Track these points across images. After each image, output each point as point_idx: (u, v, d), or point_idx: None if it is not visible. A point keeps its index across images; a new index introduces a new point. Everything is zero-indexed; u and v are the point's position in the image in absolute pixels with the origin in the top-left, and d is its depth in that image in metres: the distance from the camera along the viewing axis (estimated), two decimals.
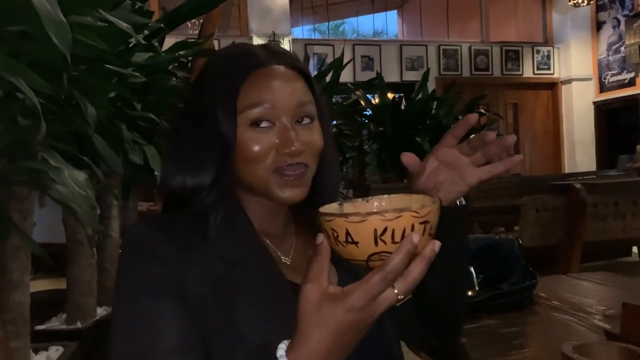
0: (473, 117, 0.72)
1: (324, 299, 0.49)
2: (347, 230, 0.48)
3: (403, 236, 0.47)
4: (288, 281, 0.66)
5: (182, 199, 0.68)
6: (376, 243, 0.47)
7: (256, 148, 0.66)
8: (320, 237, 0.51)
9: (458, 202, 0.74)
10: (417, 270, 0.48)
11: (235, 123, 0.66)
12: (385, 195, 0.58)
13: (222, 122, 0.66)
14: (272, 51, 0.71)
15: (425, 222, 0.48)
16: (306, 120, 0.69)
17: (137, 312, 0.60)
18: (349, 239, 0.48)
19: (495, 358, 0.81)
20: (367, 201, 0.59)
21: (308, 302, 0.49)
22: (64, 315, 2.08)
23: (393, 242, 0.47)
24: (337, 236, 0.49)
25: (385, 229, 0.47)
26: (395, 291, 0.47)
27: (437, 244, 0.48)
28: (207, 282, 0.61)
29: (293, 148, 0.65)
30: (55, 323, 2.07)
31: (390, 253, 0.47)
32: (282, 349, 0.51)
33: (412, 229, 0.47)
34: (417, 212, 0.47)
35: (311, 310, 0.49)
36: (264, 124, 0.66)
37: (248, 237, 0.68)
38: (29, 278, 1.47)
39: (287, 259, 0.72)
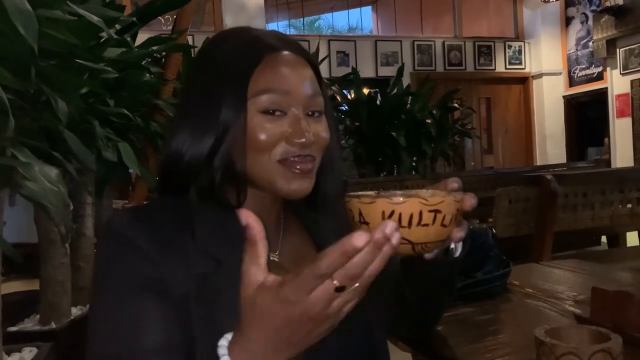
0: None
1: (260, 288, 0.44)
2: (359, 210, 0.51)
3: (410, 221, 0.49)
4: None
5: (178, 179, 0.65)
6: None
7: (265, 136, 0.62)
8: (244, 217, 0.47)
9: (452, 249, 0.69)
10: (359, 260, 0.41)
11: (245, 108, 0.62)
12: (430, 190, 0.59)
13: (230, 106, 0.62)
14: (281, 37, 0.67)
15: (436, 211, 0.49)
16: (317, 114, 0.66)
17: (118, 310, 0.56)
18: (362, 219, 0.51)
19: (471, 344, 0.83)
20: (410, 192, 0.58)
21: (246, 289, 0.45)
22: (38, 316, 2.03)
23: (400, 225, 0.49)
24: (354, 217, 0.52)
25: (392, 212, 0.49)
26: (335, 282, 0.41)
27: (395, 237, 0.41)
28: (191, 277, 0.58)
29: (304, 139, 0.62)
30: (29, 324, 2.02)
31: None
32: (224, 347, 0.47)
33: (420, 215, 0.49)
34: (425, 200, 0.49)
35: (249, 300, 0.45)
36: (276, 113, 0.62)
37: (237, 236, 0.62)
38: None
39: (275, 255, 0.69)
